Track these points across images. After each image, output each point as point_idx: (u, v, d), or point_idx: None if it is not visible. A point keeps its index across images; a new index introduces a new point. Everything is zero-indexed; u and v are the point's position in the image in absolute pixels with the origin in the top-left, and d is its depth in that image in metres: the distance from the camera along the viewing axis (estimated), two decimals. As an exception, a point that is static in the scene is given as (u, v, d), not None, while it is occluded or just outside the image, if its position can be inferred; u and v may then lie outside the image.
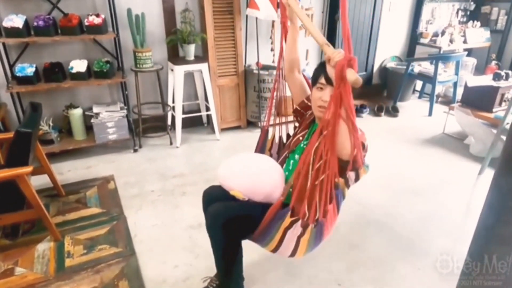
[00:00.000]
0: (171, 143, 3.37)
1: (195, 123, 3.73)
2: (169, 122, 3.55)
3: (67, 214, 2.31)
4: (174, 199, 2.56)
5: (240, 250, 1.56)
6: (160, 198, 2.57)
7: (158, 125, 3.52)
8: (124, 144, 3.23)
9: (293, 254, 1.38)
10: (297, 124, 1.68)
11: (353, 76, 0.98)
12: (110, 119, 3.01)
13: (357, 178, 1.34)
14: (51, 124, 2.91)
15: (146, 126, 3.42)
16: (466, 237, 2.16)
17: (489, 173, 2.95)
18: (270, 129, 1.74)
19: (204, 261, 1.95)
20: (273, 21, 3.62)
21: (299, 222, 1.28)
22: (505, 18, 4.93)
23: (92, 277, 1.82)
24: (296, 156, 1.52)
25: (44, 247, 2.01)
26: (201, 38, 3.25)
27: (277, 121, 1.76)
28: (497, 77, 3.40)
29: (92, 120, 2.99)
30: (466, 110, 3.32)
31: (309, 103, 1.56)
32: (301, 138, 1.55)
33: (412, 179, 2.82)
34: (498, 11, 5.00)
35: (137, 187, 2.69)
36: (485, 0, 5.07)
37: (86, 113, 3.04)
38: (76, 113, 2.97)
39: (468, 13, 5.09)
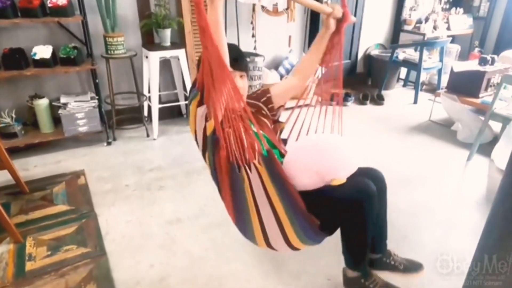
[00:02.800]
0: (147, 135, 3.17)
1: (174, 114, 3.53)
2: (145, 113, 3.35)
3: (31, 212, 2.10)
4: (151, 194, 2.38)
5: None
6: (136, 193, 2.38)
7: (134, 117, 3.30)
8: (97, 136, 3.01)
9: None
10: None
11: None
12: (80, 110, 2.79)
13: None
14: (13, 116, 2.66)
15: (120, 118, 3.20)
16: (459, 227, 2.09)
17: (478, 159, 2.89)
18: None
19: (181, 259, 1.80)
20: (254, 5, 3.45)
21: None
22: (487, 4, 4.88)
23: (55, 282, 1.63)
24: None
25: (2, 250, 1.81)
26: (178, 22, 3.04)
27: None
28: (483, 62, 3.33)
29: (60, 111, 2.75)
30: (453, 96, 3.24)
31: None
32: None
33: (400, 167, 2.72)
34: (481, -3, 4.95)
35: (110, 182, 2.49)
36: (468, -13, 5.02)
37: (53, 103, 2.80)
38: (41, 104, 2.73)
39: (451, -1, 5.03)
